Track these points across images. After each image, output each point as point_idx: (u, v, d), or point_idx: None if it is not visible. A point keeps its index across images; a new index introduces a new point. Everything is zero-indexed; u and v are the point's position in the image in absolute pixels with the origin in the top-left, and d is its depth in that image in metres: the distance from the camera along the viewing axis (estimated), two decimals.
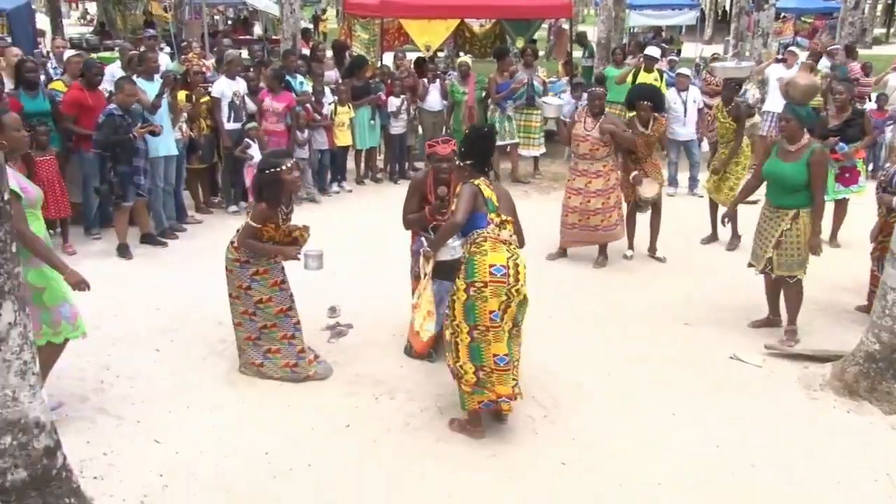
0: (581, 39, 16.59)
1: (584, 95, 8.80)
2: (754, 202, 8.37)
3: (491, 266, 4.37)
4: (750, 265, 6.13)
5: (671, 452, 4.56)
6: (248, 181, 9.14)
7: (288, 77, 9.85)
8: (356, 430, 4.75)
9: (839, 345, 5.75)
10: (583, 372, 5.48)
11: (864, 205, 6.90)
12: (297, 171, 5.14)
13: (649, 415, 4.97)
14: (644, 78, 10.45)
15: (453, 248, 4.54)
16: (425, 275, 4.79)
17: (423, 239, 4.57)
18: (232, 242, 5.13)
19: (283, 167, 4.91)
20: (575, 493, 4.21)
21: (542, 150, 11.29)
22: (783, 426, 4.84)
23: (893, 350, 5.04)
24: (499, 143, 10.78)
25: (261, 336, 5.22)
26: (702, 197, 9.81)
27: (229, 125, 8.93)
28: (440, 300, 5.10)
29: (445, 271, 4.93)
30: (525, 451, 4.56)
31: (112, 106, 7.32)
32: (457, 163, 4.83)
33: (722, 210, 8.28)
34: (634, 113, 7.54)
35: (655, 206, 7.72)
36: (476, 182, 4.56)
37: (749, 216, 7.14)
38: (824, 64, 13.13)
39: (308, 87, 9.98)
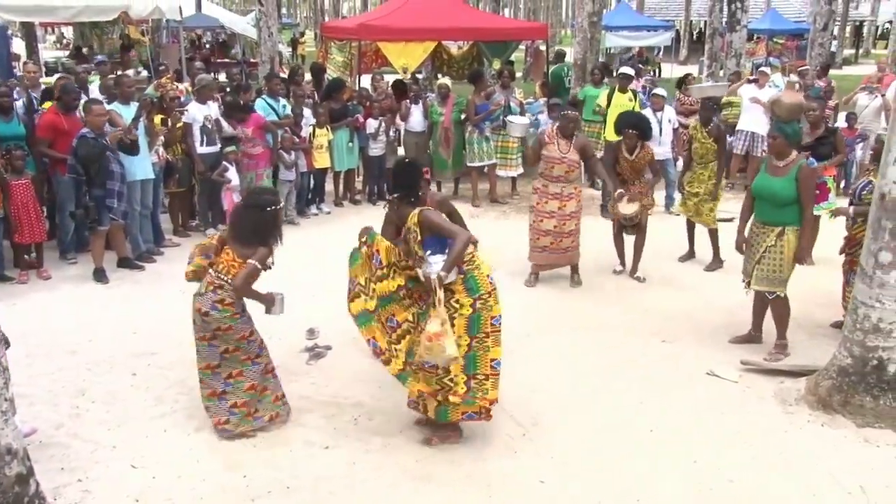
0: (559, 58, 16.73)
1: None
2: (729, 219, 8.48)
3: (488, 276, 4.58)
4: (743, 281, 6.20)
5: (649, 469, 4.58)
6: (225, 205, 9.15)
7: (270, 100, 9.86)
8: (335, 451, 4.74)
9: (813, 360, 5.81)
10: (561, 390, 5.51)
11: (835, 221, 7.02)
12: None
13: (627, 431, 4.99)
14: (618, 98, 10.55)
15: (431, 263, 4.47)
16: (439, 300, 4.39)
17: (431, 262, 4.49)
18: (222, 300, 4.61)
19: (282, 204, 4.77)
20: None
21: (520, 170, 11.36)
22: (759, 441, 4.88)
23: (865, 364, 5.10)
24: (476, 163, 10.88)
25: (265, 382, 4.90)
26: (678, 215, 9.90)
27: (203, 149, 8.92)
28: None
29: None
30: (504, 469, 4.57)
31: (85, 129, 7.32)
32: (387, 198, 4.93)
33: (700, 229, 8.38)
34: (621, 138, 7.62)
35: (640, 228, 7.78)
36: (420, 210, 4.61)
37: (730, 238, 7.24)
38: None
39: (289, 110, 9.99)
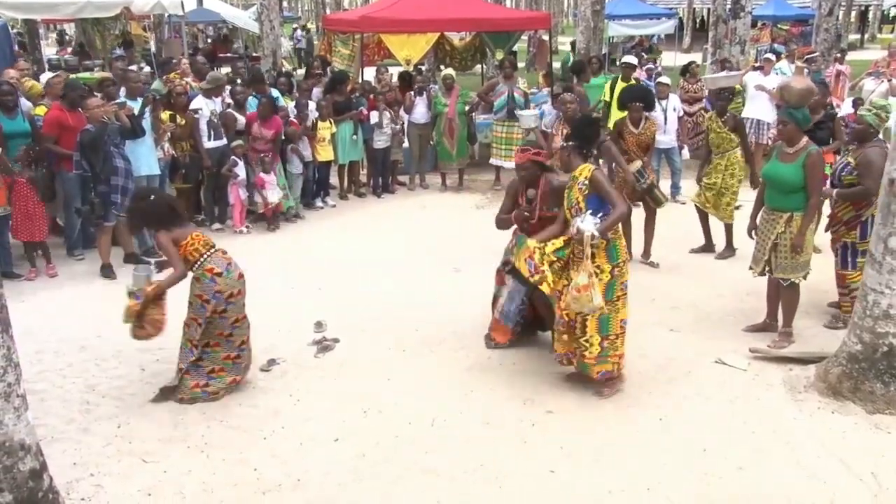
0: (573, 47, 16.65)
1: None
2: (737, 207, 8.45)
3: (624, 245, 5.08)
4: (750, 268, 6.18)
5: (659, 458, 4.58)
6: (232, 199, 9.16)
7: (259, 97, 9.79)
8: (345, 444, 4.75)
9: (820, 346, 5.81)
10: (570, 379, 5.50)
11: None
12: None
13: (636, 421, 4.99)
14: (621, 87, 10.51)
15: (589, 222, 4.80)
16: (588, 256, 4.81)
17: (584, 219, 4.83)
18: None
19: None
20: (563, 500, 4.22)
21: None
22: (768, 428, 4.87)
23: (875, 350, 5.09)
24: None
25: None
26: (684, 203, 9.88)
27: (209, 144, 8.93)
28: (514, 298, 5.72)
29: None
30: (514, 459, 4.57)
31: (88, 126, 7.35)
32: (562, 144, 5.43)
33: (713, 220, 8.31)
34: (626, 113, 7.63)
35: (650, 211, 7.77)
36: (594, 168, 5.07)
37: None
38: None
39: (283, 102, 9.96)
